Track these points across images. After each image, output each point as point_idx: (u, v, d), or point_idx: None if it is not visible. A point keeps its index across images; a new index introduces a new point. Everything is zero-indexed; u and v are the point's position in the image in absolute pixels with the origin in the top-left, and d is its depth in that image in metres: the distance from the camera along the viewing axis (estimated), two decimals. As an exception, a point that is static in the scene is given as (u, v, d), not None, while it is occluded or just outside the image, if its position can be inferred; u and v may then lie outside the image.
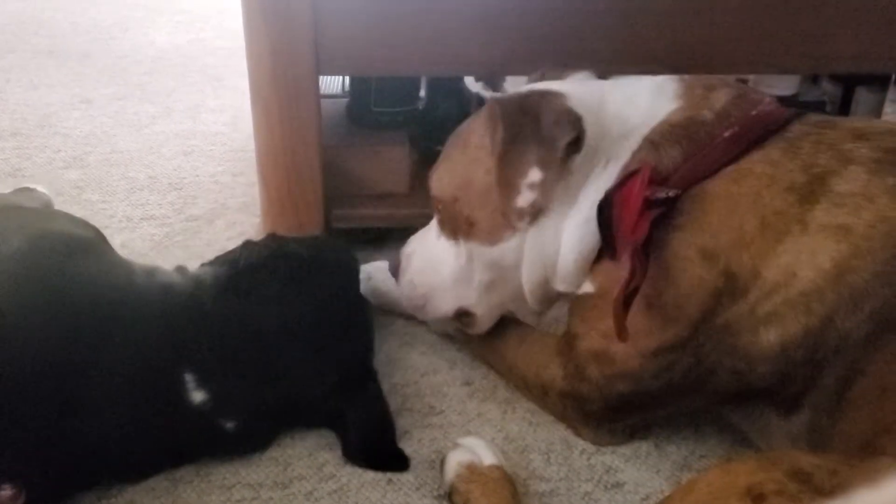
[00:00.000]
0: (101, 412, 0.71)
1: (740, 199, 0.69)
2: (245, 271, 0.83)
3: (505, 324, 0.91)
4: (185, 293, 0.80)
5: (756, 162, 0.70)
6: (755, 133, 0.72)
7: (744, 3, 1.00)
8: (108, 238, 0.88)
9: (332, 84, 1.35)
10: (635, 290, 0.69)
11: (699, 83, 0.79)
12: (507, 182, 0.77)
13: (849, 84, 1.27)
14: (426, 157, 1.21)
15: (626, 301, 0.69)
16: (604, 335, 0.76)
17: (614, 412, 0.81)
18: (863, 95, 1.26)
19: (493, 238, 0.82)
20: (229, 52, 2.01)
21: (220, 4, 2.39)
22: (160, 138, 1.50)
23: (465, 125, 0.88)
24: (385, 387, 0.89)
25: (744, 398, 0.75)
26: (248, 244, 0.89)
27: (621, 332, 0.70)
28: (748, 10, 1.01)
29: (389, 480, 0.79)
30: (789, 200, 0.67)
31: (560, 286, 0.83)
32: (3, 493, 0.65)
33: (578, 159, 0.77)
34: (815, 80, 1.31)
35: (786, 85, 1.23)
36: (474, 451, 0.77)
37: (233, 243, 1.02)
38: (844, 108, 1.28)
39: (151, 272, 0.82)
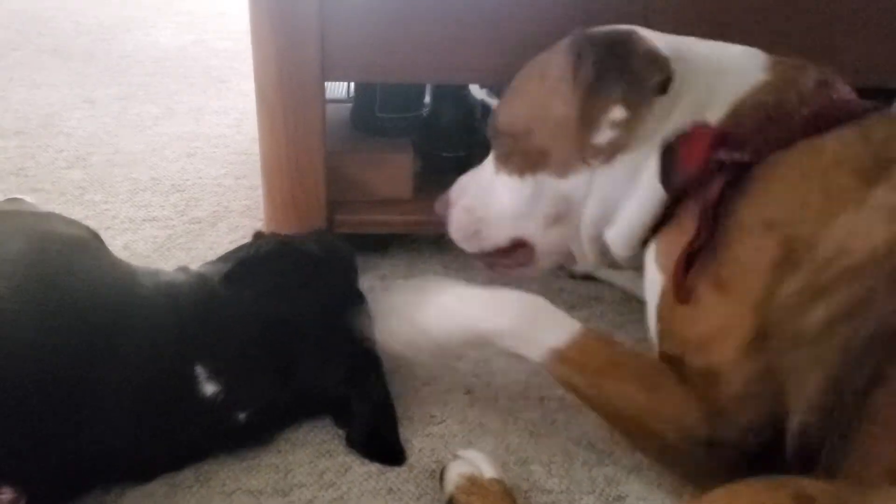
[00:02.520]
0: (110, 412, 0.71)
1: (809, 172, 0.69)
2: (252, 260, 0.85)
3: (625, 360, 0.75)
4: (191, 288, 0.81)
5: (830, 141, 0.71)
6: (833, 116, 0.72)
7: (750, 16, 1.00)
8: (111, 239, 0.88)
9: (337, 88, 1.35)
10: (698, 251, 0.69)
11: (789, 60, 0.79)
12: (588, 117, 0.77)
13: (854, 97, 1.26)
14: (430, 164, 1.21)
15: (687, 262, 0.69)
16: (698, 346, 0.70)
17: (750, 447, 0.69)
18: (867, 109, 1.26)
19: (564, 170, 0.82)
20: (232, 53, 2.01)
21: (222, 6, 2.39)
22: (163, 139, 1.50)
23: (540, 58, 0.87)
24: (386, 395, 0.90)
25: None
26: (258, 235, 0.93)
27: (680, 294, 0.69)
28: (754, 22, 1.01)
29: (390, 490, 0.78)
30: (853, 179, 0.67)
31: (611, 235, 0.82)
32: (4, 496, 0.64)
33: (662, 103, 0.77)
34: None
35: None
36: (475, 463, 0.77)
37: (235, 246, 1.02)
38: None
39: (154, 272, 0.83)
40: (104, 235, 0.89)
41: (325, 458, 0.82)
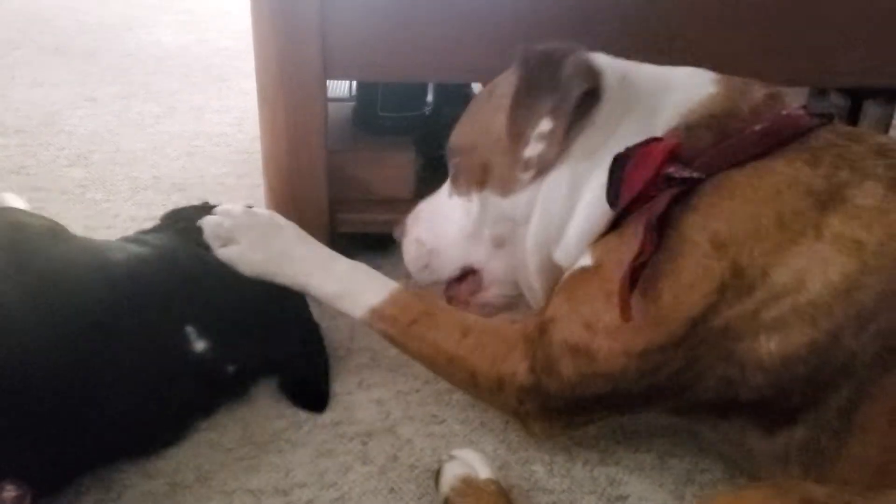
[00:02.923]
0: (109, 389, 0.72)
1: (760, 192, 0.67)
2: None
3: (440, 312, 0.83)
4: (162, 258, 0.83)
5: (779, 162, 0.69)
6: (783, 133, 0.71)
7: (753, 17, 1.00)
8: (112, 238, 0.87)
9: (339, 87, 1.35)
10: (642, 267, 0.66)
11: (736, 77, 0.78)
12: (517, 130, 0.77)
13: (857, 97, 1.26)
14: (431, 163, 1.21)
15: (632, 278, 0.66)
16: (587, 325, 0.71)
17: (580, 410, 0.75)
18: (871, 109, 1.25)
19: (506, 188, 0.80)
20: (234, 52, 2.01)
21: (224, 5, 2.39)
22: (164, 138, 1.50)
23: (496, 78, 0.87)
24: (387, 395, 0.90)
25: (726, 410, 0.72)
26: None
27: (625, 312, 0.66)
28: (757, 23, 1.01)
29: (391, 489, 0.78)
30: (808, 203, 0.65)
31: (559, 255, 0.79)
32: (7, 493, 0.64)
33: (602, 115, 0.76)
34: (822, 92, 1.31)
35: (794, 98, 1.23)
36: (470, 463, 0.76)
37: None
38: (852, 121, 1.27)
39: (122, 247, 0.84)
40: (105, 234, 0.89)
41: (326, 457, 0.82)
